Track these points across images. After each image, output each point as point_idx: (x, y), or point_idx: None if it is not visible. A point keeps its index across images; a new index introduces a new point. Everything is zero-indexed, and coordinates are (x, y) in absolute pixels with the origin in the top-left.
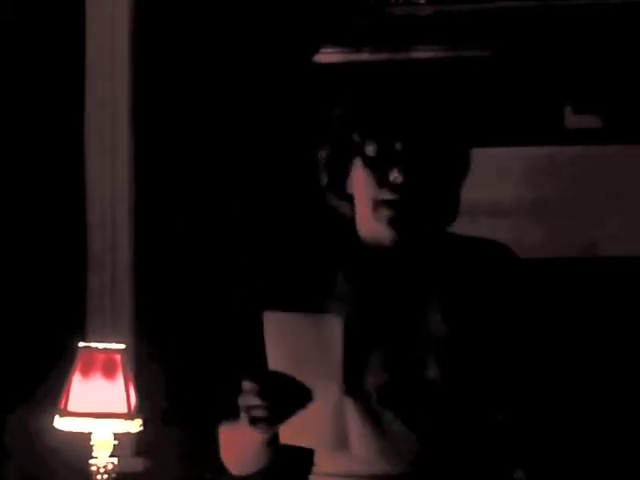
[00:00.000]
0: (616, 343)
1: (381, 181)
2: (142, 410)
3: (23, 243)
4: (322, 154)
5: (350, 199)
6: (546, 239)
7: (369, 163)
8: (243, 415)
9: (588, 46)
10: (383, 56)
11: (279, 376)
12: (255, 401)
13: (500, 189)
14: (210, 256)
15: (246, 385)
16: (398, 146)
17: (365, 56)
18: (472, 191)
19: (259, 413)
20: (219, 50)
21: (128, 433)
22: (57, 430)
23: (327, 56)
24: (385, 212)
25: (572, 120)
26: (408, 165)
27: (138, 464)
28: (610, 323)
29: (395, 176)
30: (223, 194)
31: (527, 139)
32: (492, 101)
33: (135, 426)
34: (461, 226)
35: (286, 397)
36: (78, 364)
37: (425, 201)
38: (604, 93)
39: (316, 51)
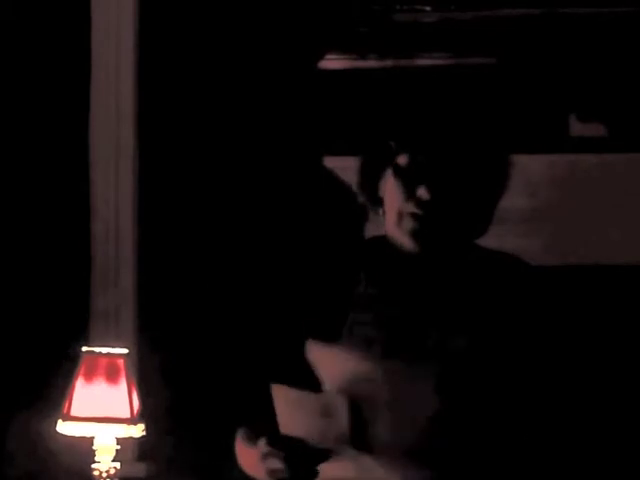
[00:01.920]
0: (624, 352)
1: (408, 194)
2: (145, 415)
3: (27, 249)
4: (359, 158)
5: (381, 203)
6: (548, 247)
7: (399, 173)
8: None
9: (593, 54)
10: (388, 63)
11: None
12: (268, 449)
13: (504, 197)
14: (214, 261)
15: (262, 447)
16: (429, 162)
17: (370, 63)
18: None
19: (274, 464)
20: (225, 56)
21: (131, 438)
22: (60, 434)
23: (332, 63)
24: (409, 224)
25: (577, 128)
26: (436, 182)
27: (140, 469)
28: (613, 332)
29: (422, 192)
30: (227, 199)
31: (531, 147)
32: (496, 109)
33: (138, 431)
34: None
35: (303, 454)
36: (81, 369)
37: (452, 217)
38: (609, 101)
39: (321, 58)
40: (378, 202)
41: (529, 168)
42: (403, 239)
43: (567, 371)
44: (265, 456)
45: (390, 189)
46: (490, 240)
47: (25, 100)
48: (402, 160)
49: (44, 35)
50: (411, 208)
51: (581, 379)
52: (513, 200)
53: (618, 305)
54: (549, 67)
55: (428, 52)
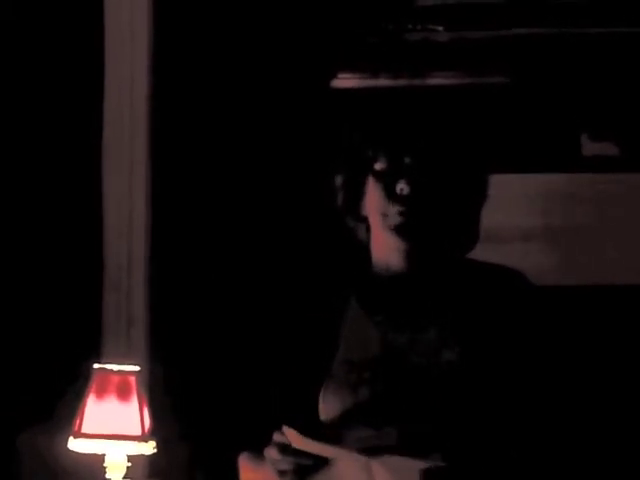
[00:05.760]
0: (632, 372)
1: (390, 194)
2: (156, 432)
3: (39, 264)
4: (339, 177)
5: (365, 221)
6: (562, 266)
7: (379, 177)
8: (270, 466)
9: (605, 73)
10: (400, 82)
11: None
12: (280, 456)
13: (516, 215)
14: (227, 279)
15: (276, 438)
16: (407, 160)
17: (382, 82)
18: (488, 217)
19: (284, 466)
20: (238, 75)
21: (142, 455)
22: (71, 451)
23: (344, 81)
24: (394, 220)
25: (589, 147)
26: (415, 177)
27: None
28: (624, 353)
29: (402, 187)
30: (239, 216)
31: (544, 166)
32: (508, 128)
33: (149, 448)
34: (476, 251)
35: (310, 456)
36: (93, 385)
37: (434, 216)
38: (621, 120)
39: (333, 76)
40: (362, 221)
41: (541, 187)
42: (390, 240)
43: (564, 385)
44: (276, 461)
45: (372, 196)
46: (501, 259)
47: (36, 108)
48: (380, 165)
49: (56, 41)
50: (394, 206)
51: (577, 396)
52: (524, 219)
53: (627, 325)
54: (561, 86)
55: (440, 71)
